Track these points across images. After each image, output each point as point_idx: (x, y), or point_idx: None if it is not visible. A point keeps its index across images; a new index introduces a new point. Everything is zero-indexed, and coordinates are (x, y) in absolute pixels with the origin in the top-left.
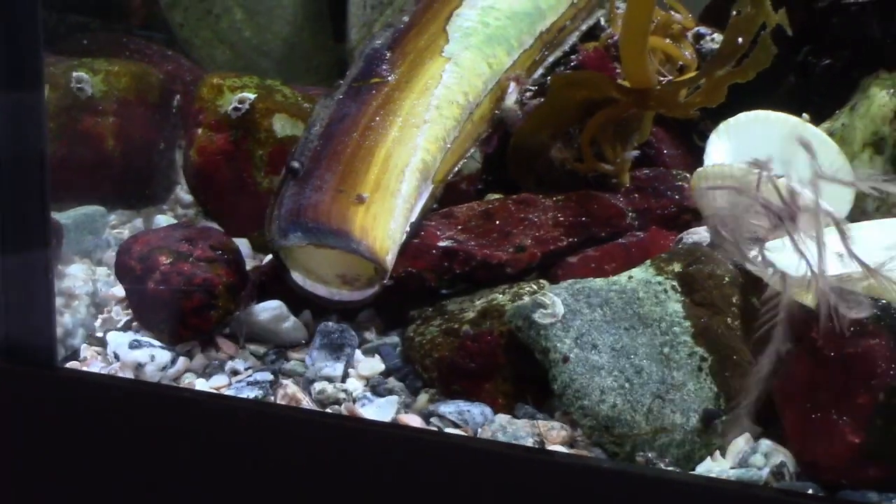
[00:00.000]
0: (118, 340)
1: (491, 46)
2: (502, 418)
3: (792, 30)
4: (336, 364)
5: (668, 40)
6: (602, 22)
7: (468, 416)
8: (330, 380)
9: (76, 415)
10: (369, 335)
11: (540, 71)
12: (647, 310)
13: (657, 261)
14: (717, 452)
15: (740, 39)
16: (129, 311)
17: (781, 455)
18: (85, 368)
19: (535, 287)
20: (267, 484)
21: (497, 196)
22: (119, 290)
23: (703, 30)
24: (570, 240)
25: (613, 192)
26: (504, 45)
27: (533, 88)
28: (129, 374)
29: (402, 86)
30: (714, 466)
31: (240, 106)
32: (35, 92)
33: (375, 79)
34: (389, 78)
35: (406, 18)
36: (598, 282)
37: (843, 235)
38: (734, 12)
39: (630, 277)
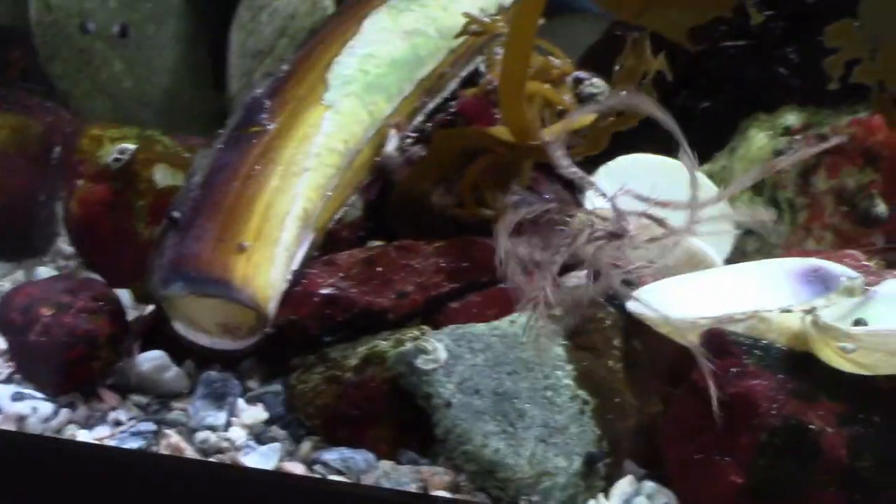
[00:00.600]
0: (0, 393)
1: (371, 94)
2: (386, 465)
3: (671, 74)
4: (219, 413)
5: (546, 85)
6: (481, 68)
7: (351, 463)
8: (213, 429)
9: None
10: (252, 384)
11: (420, 118)
12: (529, 354)
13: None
14: (601, 495)
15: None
16: (12, 363)
17: (665, 496)
18: None
19: (417, 333)
20: None
21: (379, 243)
22: (1, 343)
23: (581, 74)
24: (452, 285)
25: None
26: (384, 92)
27: (413, 135)
28: (12, 427)
29: (283, 134)
30: None
31: (120, 157)
32: None
33: (255, 127)
34: (269, 126)
35: (286, 67)
36: (481, 327)
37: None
38: (617, 67)
39: (512, 322)
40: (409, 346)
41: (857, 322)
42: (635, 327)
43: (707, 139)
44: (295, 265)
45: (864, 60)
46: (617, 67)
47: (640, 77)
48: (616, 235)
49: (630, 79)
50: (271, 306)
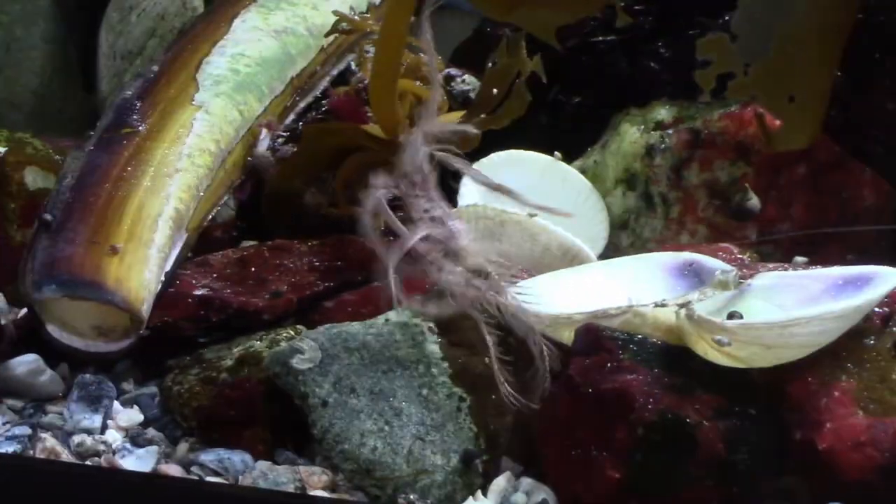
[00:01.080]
0: None
1: (242, 93)
2: (263, 465)
3: (545, 75)
4: (94, 416)
5: (418, 83)
6: (353, 66)
7: (228, 464)
8: (89, 432)
9: None
10: (127, 386)
11: (292, 116)
12: (404, 352)
13: (414, 303)
14: (479, 492)
15: (495, 90)
16: None
17: (543, 492)
18: None
19: (292, 333)
20: None
21: (252, 243)
22: None
23: (453, 71)
24: (326, 284)
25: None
26: (255, 91)
27: (285, 134)
28: None
29: (154, 135)
30: None
31: None
32: None
33: (126, 129)
34: (140, 128)
35: (156, 68)
36: (355, 326)
37: None
38: (490, 63)
39: (387, 320)
40: (284, 346)
41: (732, 315)
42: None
43: (579, 134)
44: (168, 266)
45: (738, 75)
46: (490, 65)
47: (514, 76)
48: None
49: (504, 77)
50: (145, 308)
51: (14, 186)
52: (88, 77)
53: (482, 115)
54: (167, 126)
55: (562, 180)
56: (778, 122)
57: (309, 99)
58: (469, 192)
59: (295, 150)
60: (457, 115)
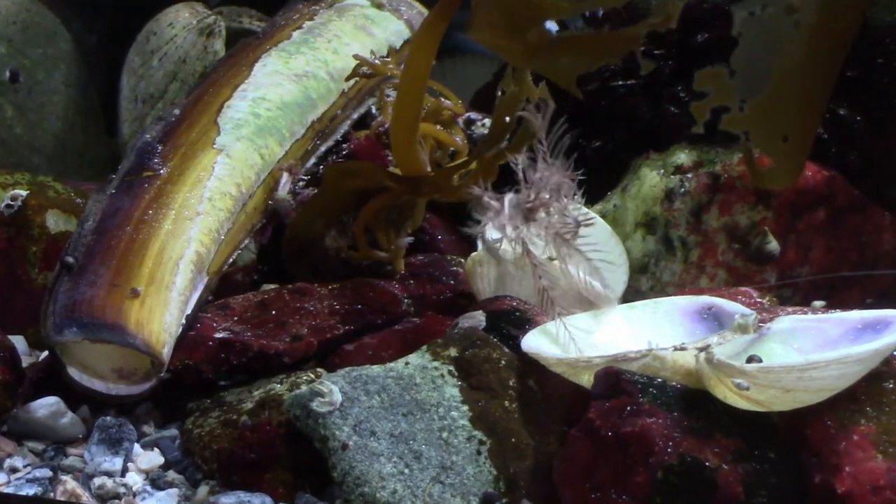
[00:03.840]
0: None
1: (263, 137)
2: None
3: (563, 112)
4: (115, 458)
5: (438, 127)
6: (373, 110)
7: None
8: (109, 474)
9: None
10: (148, 429)
11: (312, 160)
12: (424, 395)
13: (433, 346)
14: None
15: (507, 118)
16: None
17: None
18: None
19: (312, 376)
20: None
21: (273, 286)
22: None
23: (473, 115)
24: (347, 328)
25: (389, 279)
26: (276, 135)
27: (306, 178)
28: None
29: (175, 179)
30: None
31: (12, 203)
32: None
33: (148, 172)
34: (161, 171)
35: (177, 111)
36: (376, 369)
37: None
38: (499, 93)
39: (407, 363)
40: (304, 388)
41: (751, 359)
42: (530, 367)
43: (599, 178)
44: (189, 309)
45: (733, 109)
46: (499, 93)
47: (522, 103)
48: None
49: (514, 106)
50: (166, 351)
51: (36, 230)
52: (110, 120)
53: (498, 147)
54: (188, 169)
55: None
56: (767, 160)
57: (329, 143)
58: (490, 235)
59: (315, 192)
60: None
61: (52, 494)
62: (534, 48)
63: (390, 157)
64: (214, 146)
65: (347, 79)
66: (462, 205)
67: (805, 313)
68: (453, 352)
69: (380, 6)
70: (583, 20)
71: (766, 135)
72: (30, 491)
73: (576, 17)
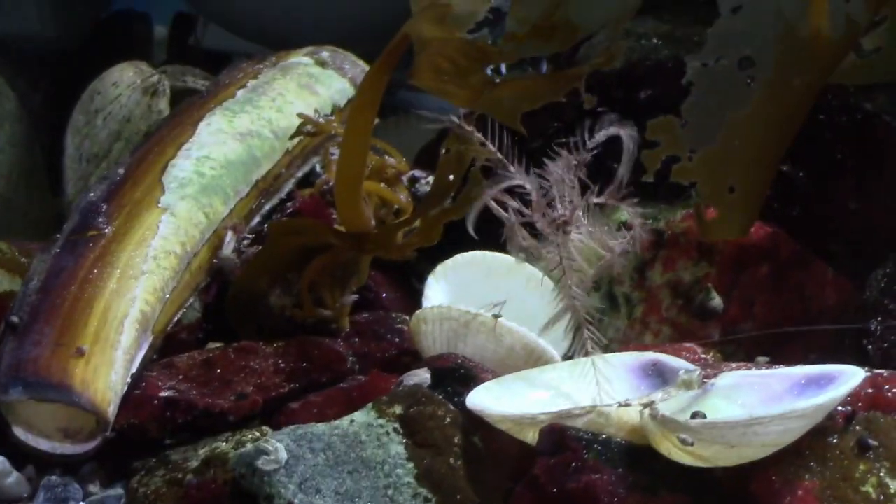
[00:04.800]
0: None
1: (207, 196)
2: None
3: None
4: None
5: (382, 184)
6: (318, 168)
7: None
8: None
9: None
10: (94, 488)
11: (257, 218)
12: (369, 453)
13: (378, 404)
14: None
15: (451, 177)
16: None
17: None
18: None
19: (257, 434)
20: None
21: (218, 345)
22: None
23: (417, 173)
24: (292, 386)
25: (334, 336)
26: (220, 194)
27: (250, 236)
28: None
29: (120, 238)
30: None
31: None
32: None
33: (92, 231)
34: (106, 230)
35: (122, 171)
36: (321, 427)
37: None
38: (443, 150)
39: (352, 421)
40: (249, 447)
41: (696, 415)
42: (475, 424)
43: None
44: (134, 368)
45: (683, 159)
46: (443, 151)
47: (468, 164)
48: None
49: (458, 164)
50: (111, 410)
51: None
52: (54, 180)
53: (442, 206)
54: (133, 228)
55: (526, 281)
56: (714, 212)
57: (274, 201)
58: (434, 293)
59: (260, 250)
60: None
61: None
62: (478, 91)
63: (335, 215)
64: (159, 205)
65: (292, 137)
66: (407, 262)
67: (749, 369)
68: (398, 409)
69: (323, 64)
70: (526, 63)
71: (713, 186)
72: None
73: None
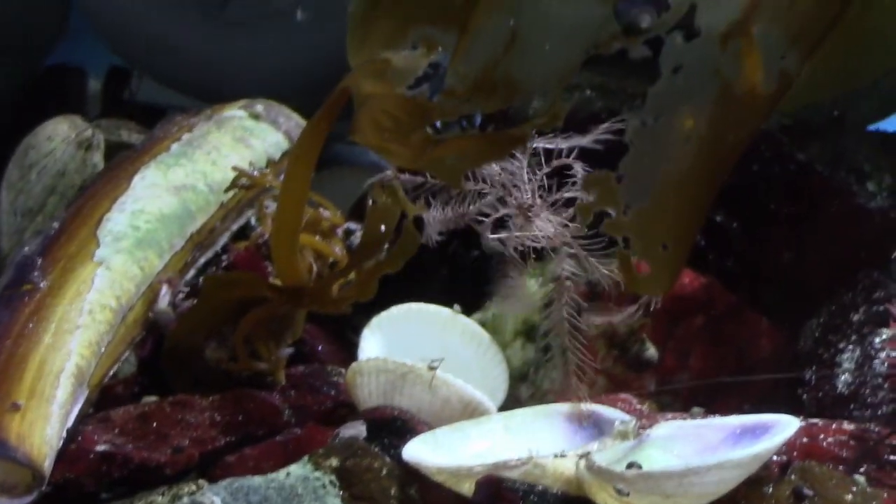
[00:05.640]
0: None
1: (142, 249)
2: None
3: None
4: None
5: (318, 237)
6: (252, 221)
7: None
8: None
9: None
10: None
11: (192, 272)
12: None
13: (315, 456)
14: None
15: (383, 227)
16: None
17: None
18: None
19: (194, 487)
20: None
21: (153, 398)
22: None
23: (352, 226)
24: (228, 439)
25: (269, 389)
26: (155, 247)
27: (185, 290)
28: None
29: (55, 292)
30: None
31: None
32: None
33: (27, 286)
34: (41, 284)
35: (56, 225)
36: (257, 479)
37: None
38: (370, 202)
39: (288, 474)
40: (186, 500)
41: (631, 465)
42: (411, 476)
43: (478, 287)
44: (70, 422)
45: (617, 213)
46: (369, 202)
47: (398, 217)
48: None
49: (387, 216)
50: (47, 464)
51: None
52: None
53: (373, 260)
54: (68, 282)
55: (461, 333)
56: (644, 267)
57: (209, 254)
58: (369, 346)
59: (195, 303)
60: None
61: None
62: (419, 149)
63: (270, 268)
64: (94, 259)
65: (226, 190)
66: (342, 315)
67: (684, 419)
68: (334, 462)
69: (258, 118)
70: (467, 122)
71: (647, 242)
72: None
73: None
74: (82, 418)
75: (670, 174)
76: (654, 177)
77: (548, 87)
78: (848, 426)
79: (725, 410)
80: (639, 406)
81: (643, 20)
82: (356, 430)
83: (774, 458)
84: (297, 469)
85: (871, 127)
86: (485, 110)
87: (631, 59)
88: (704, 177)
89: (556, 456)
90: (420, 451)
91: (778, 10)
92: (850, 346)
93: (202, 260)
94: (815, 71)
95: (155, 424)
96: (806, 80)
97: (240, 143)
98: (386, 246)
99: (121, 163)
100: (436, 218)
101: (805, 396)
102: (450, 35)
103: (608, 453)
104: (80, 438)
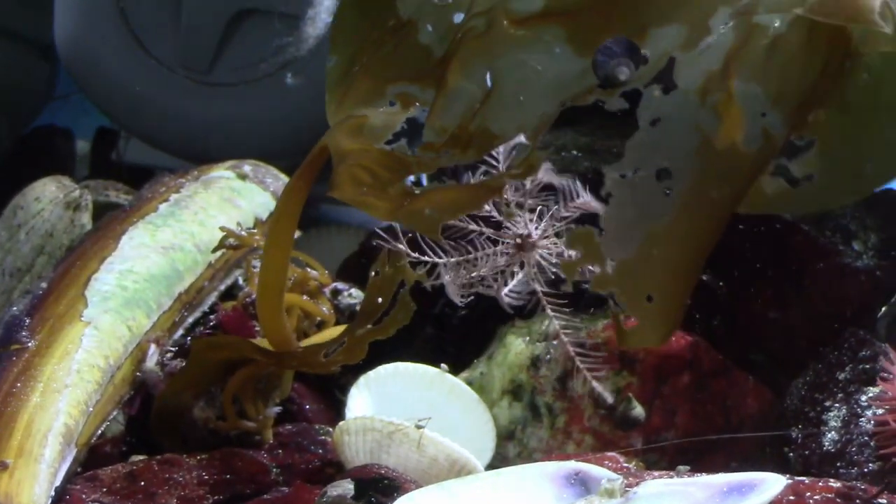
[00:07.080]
0: None
1: (130, 309)
2: None
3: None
4: None
5: (305, 297)
6: (240, 281)
7: None
8: None
9: None
10: None
11: (180, 331)
12: None
13: None
14: None
15: (380, 299)
16: None
17: None
18: None
19: None
20: None
21: (141, 457)
22: None
23: (340, 285)
24: (216, 498)
25: (257, 448)
26: (143, 307)
27: (174, 349)
28: None
29: (43, 351)
30: None
31: None
32: None
33: (15, 345)
34: (29, 344)
35: (45, 284)
36: None
37: None
38: (372, 273)
39: None
40: None
41: None
42: None
43: (465, 346)
44: (58, 481)
45: (602, 269)
46: (372, 275)
47: (398, 285)
48: None
49: (388, 287)
50: None
51: None
52: None
53: (368, 326)
54: (56, 342)
55: (448, 392)
56: (633, 321)
57: (197, 314)
58: (357, 404)
59: (183, 364)
60: (341, 328)
61: None
62: (398, 202)
63: (258, 328)
64: (82, 319)
65: (214, 250)
66: (330, 375)
67: (671, 477)
68: None
69: (245, 178)
70: (445, 174)
71: (632, 296)
72: None
73: None
74: (70, 477)
75: (653, 228)
76: (636, 230)
77: (523, 139)
78: (834, 484)
79: (712, 468)
80: (626, 464)
81: (621, 73)
82: (343, 488)
83: None
84: None
85: None
86: (461, 162)
87: (617, 118)
88: (691, 232)
89: None
90: None
91: (755, 65)
92: (837, 405)
93: (190, 319)
94: (824, 175)
95: (143, 483)
96: (817, 186)
97: (227, 203)
98: None
99: (109, 223)
100: (455, 282)
101: (791, 454)
102: (427, 92)
103: None
104: (68, 497)
